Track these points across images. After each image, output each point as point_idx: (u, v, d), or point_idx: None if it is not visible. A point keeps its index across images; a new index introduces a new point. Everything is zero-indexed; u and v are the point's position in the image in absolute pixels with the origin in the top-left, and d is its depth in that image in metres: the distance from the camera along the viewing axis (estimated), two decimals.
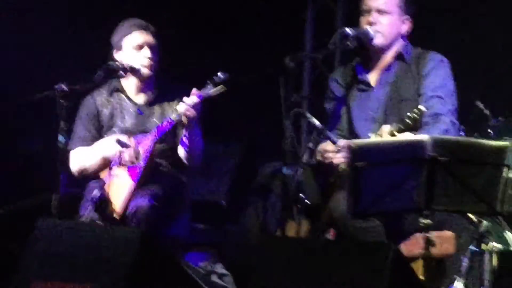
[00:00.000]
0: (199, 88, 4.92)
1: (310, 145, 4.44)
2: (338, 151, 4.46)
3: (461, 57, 4.79)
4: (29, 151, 6.65)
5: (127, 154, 4.98)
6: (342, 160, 4.42)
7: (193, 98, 4.88)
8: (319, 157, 4.61)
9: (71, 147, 5.15)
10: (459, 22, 6.15)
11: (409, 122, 4.20)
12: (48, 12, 6.58)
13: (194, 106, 4.88)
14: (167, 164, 5.16)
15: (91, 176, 5.16)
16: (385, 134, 4.28)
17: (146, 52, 5.15)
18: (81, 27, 6.65)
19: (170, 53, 5.39)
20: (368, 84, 4.79)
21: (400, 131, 4.25)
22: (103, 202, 4.76)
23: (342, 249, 3.89)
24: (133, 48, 5.17)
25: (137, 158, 5.00)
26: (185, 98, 4.90)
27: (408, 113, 4.18)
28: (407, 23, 4.79)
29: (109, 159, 5.01)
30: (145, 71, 5.16)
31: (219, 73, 4.87)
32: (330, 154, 4.50)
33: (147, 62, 5.15)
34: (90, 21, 6.68)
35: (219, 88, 4.88)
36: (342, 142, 4.51)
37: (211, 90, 4.88)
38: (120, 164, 4.98)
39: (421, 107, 4.20)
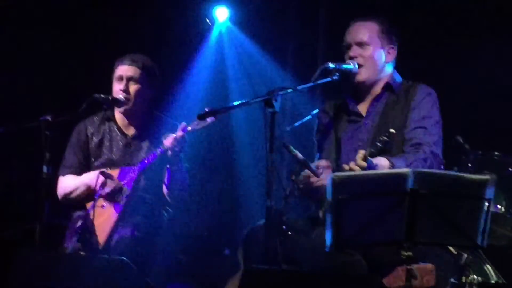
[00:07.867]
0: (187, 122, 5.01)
1: (293, 177, 4.45)
2: (320, 173, 4.47)
3: (442, 91, 4.81)
4: (11, 181, 6.63)
5: (109, 187, 4.99)
6: (325, 182, 4.42)
7: (179, 132, 4.94)
8: (302, 185, 4.61)
9: (61, 173, 5.19)
10: (443, 57, 6.22)
11: (380, 145, 4.18)
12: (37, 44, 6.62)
13: (179, 140, 4.93)
14: (153, 198, 5.18)
15: (75, 203, 5.18)
16: (359, 159, 4.25)
17: (121, 84, 5.21)
18: (70, 59, 6.69)
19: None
20: (359, 115, 4.79)
21: (372, 154, 4.24)
22: (87, 233, 4.76)
23: (327, 281, 3.90)
24: (115, 80, 5.25)
25: (119, 191, 5.02)
26: (172, 134, 4.95)
27: (379, 137, 4.18)
28: (391, 52, 4.78)
29: (93, 189, 5.04)
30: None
31: (206, 109, 4.92)
32: (313, 179, 4.50)
33: (120, 93, 5.21)
34: (79, 53, 6.73)
35: (206, 123, 4.94)
36: (323, 162, 4.53)
37: (198, 125, 4.94)
38: (102, 196, 5.00)
39: (392, 130, 4.18)
